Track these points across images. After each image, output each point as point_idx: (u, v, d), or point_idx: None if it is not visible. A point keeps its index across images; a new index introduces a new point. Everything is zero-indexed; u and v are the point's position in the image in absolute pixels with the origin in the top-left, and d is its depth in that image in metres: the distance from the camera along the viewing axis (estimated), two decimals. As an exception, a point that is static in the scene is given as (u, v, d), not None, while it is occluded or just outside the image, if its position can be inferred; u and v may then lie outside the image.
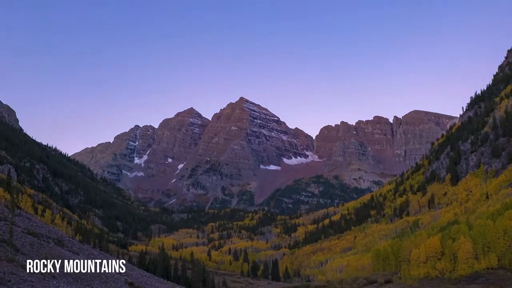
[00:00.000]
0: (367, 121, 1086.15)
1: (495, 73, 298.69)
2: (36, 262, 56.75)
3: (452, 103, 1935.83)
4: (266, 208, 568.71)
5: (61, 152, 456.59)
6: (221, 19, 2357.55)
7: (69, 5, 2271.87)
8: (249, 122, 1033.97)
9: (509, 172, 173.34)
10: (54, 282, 54.31)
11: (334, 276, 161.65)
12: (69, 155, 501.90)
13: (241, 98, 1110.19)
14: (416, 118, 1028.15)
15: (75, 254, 77.07)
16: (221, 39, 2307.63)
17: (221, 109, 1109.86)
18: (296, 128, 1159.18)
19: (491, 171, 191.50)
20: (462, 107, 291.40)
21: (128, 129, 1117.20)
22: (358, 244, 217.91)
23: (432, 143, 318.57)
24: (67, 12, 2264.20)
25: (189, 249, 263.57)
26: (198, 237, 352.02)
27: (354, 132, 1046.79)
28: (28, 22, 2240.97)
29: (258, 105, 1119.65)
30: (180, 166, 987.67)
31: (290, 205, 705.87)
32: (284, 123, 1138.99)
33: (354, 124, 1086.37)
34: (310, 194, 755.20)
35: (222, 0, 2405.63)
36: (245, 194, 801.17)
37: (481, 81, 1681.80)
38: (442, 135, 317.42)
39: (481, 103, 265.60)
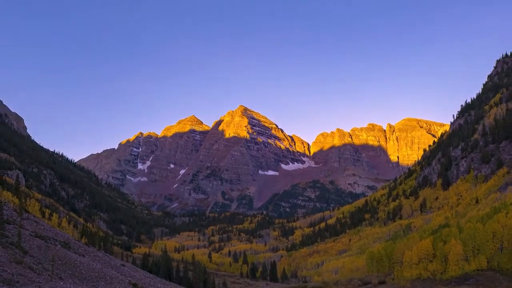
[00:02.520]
0: (362, 128, 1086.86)
1: (484, 82, 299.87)
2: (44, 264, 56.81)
3: (443, 111, 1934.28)
4: (264, 212, 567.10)
5: (67, 158, 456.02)
6: (221, 30, 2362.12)
7: (76, 13, 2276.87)
8: (248, 129, 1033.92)
9: (498, 177, 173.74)
10: (61, 283, 54.34)
11: (330, 277, 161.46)
12: (75, 161, 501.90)
13: (241, 106, 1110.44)
14: (409, 125, 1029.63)
15: (81, 256, 77.08)
16: (221, 49, 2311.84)
17: (221, 117, 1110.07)
18: (293, 135, 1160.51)
19: (480, 176, 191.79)
20: (453, 115, 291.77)
21: (132, 136, 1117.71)
22: (353, 247, 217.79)
23: (424, 150, 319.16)
24: (73, 20, 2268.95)
25: (191, 251, 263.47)
26: (199, 239, 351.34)
27: (349, 139, 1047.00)
28: (35, 31, 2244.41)
29: (257, 113, 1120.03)
30: (182, 171, 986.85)
31: (288, 209, 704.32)
32: (281, 129, 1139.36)
33: (349, 131, 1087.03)
34: (306, 199, 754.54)
35: (222, 11, 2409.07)
36: (244, 198, 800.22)
37: (471, 90, 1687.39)
38: (434, 141, 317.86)
39: (471, 111, 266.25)
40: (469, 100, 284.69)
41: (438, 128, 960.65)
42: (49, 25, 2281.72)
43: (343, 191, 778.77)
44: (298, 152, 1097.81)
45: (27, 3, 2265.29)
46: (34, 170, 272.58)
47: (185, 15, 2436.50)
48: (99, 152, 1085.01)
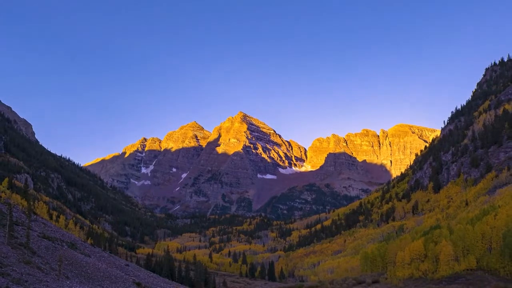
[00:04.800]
0: (356, 134, 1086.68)
1: (474, 89, 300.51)
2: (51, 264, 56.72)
3: (434, 117, 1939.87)
4: (263, 214, 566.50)
5: (74, 162, 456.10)
6: (220, 41, 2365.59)
7: (81, 21, 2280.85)
8: (247, 134, 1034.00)
9: (486, 180, 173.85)
10: (68, 282, 54.33)
11: (326, 276, 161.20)
12: (81, 165, 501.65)
13: (240, 113, 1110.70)
14: (401, 131, 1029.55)
15: (87, 257, 77.01)
16: (221, 57, 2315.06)
17: (221, 123, 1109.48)
18: (291, 140, 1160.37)
19: (470, 180, 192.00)
20: (444, 121, 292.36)
21: (136, 141, 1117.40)
22: (347, 247, 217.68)
23: (416, 154, 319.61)
24: (78, 28, 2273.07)
25: (192, 252, 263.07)
26: (200, 240, 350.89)
27: (344, 144, 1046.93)
28: (43, 39, 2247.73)
29: (255, 119, 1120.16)
30: (184, 175, 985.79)
31: (285, 211, 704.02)
32: (279, 135, 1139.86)
33: (344, 136, 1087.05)
34: (303, 201, 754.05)
35: (221, 20, 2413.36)
36: (244, 201, 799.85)
37: (461, 97, 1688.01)
38: (425, 146, 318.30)
39: (461, 117, 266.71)
40: (459, 107, 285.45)
41: (430, 133, 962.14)
42: (55, 33, 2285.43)
43: (338, 194, 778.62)
44: (295, 156, 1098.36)
45: (37, 13, 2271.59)
46: (42, 174, 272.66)
47: (186, 24, 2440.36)
48: (105, 156, 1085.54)
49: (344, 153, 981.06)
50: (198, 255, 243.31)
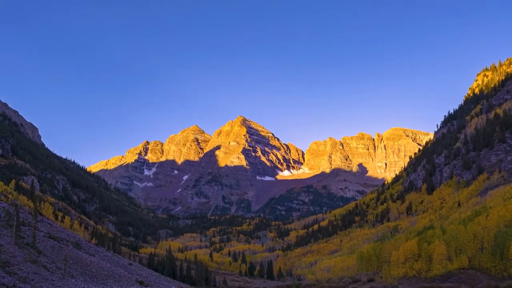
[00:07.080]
0: (352, 137, 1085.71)
1: (466, 94, 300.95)
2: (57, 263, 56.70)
3: (428, 121, 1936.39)
4: (262, 215, 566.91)
5: (78, 164, 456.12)
6: (220, 47, 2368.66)
7: (85, 25, 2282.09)
8: (246, 138, 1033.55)
9: (478, 182, 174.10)
10: (73, 281, 54.33)
11: (323, 275, 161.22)
12: (86, 167, 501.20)
13: (240, 117, 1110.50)
14: (396, 134, 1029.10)
15: (91, 256, 76.98)
16: (221, 64, 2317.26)
17: (221, 126, 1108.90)
18: (289, 143, 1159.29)
19: (462, 182, 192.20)
20: (437, 125, 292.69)
21: (139, 144, 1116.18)
22: (344, 247, 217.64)
23: (410, 157, 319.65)
24: (82, 33, 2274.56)
25: (193, 252, 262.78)
26: (201, 240, 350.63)
27: (340, 147, 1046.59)
28: (46, 45, 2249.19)
29: (254, 123, 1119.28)
30: (185, 177, 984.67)
31: (283, 212, 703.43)
32: (278, 138, 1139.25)
33: (340, 139, 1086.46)
34: (301, 202, 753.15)
35: (221, 26, 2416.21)
36: (243, 202, 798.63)
37: (454, 101, 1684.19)
38: (419, 149, 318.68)
39: (453, 121, 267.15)
40: (452, 111, 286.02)
41: (423, 137, 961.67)
42: (59, 37, 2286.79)
43: (335, 196, 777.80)
44: (293, 159, 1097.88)
45: (41, 15, 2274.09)
46: (48, 176, 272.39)
47: (186, 28, 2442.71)
48: (108, 159, 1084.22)
49: (340, 156, 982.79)
50: (199, 254, 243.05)
